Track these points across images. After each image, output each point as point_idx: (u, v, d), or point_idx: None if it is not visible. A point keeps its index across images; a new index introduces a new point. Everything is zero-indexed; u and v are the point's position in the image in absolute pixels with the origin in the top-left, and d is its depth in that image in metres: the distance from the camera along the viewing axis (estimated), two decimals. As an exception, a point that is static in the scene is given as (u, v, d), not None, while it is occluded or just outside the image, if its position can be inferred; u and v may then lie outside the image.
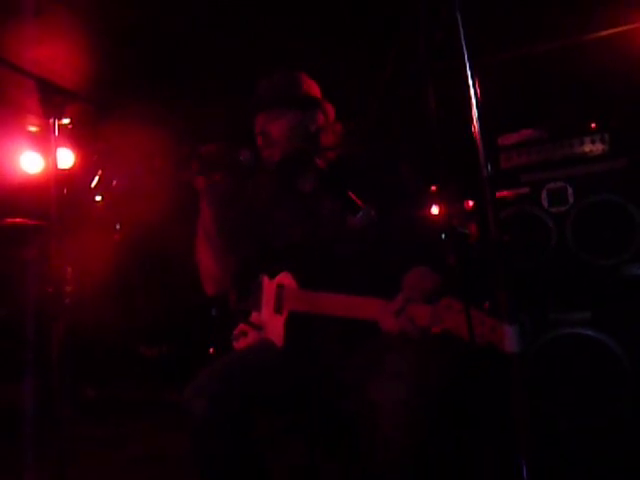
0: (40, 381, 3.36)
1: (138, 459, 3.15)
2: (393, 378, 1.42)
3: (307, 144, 1.80)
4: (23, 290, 3.75)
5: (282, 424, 1.89)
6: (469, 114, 1.12)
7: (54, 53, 3.19)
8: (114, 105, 3.95)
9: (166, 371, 5.13)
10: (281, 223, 1.85)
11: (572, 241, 2.66)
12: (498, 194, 2.78)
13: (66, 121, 3.56)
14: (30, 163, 4.28)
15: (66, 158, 4.45)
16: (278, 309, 1.78)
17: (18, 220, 3.90)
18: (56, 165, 2.01)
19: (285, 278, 1.79)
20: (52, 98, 1.95)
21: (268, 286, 1.85)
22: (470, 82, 1.12)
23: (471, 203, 3.31)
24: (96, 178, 5.00)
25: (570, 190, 2.71)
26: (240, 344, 1.94)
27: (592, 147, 2.71)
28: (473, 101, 1.11)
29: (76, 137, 4.40)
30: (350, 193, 1.60)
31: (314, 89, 1.90)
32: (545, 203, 2.76)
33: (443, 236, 1.74)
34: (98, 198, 5.13)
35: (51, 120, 1.98)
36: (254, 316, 1.93)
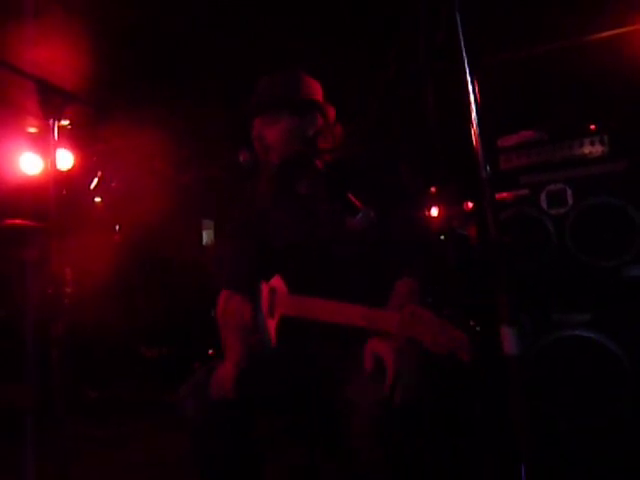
0: (40, 382, 3.36)
1: (139, 459, 3.15)
2: (371, 379, 1.44)
3: (305, 148, 1.77)
4: (23, 291, 3.75)
5: (282, 424, 1.89)
6: (469, 115, 1.11)
7: (54, 54, 3.18)
8: (113, 106, 3.96)
9: (166, 372, 5.13)
10: (280, 224, 1.85)
11: (572, 243, 2.66)
12: (497, 196, 2.77)
13: (65, 122, 3.56)
14: (29, 164, 4.28)
15: (65, 159, 4.44)
16: (270, 313, 1.78)
17: (17, 221, 3.90)
18: (55, 166, 2.02)
19: (277, 282, 1.78)
20: (51, 99, 1.95)
21: (264, 289, 1.86)
22: (470, 83, 1.12)
23: (471, 204, 3.31)
24: (95, 179, 5.02)
25: (569, 192, 2.71)
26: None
27: (592, 149, 2.71)
28: (473, 102, 1.11)
29: (75, 138, 4.40)
30: (349, 195, 1.59)
31: (314, 90, 1.86)
32: (544, 205, 2.76)
33: (442, 237, 1.74)
34: (97, 199, 5.15)
35: (50, 121, 1.98)
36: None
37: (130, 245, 5.28)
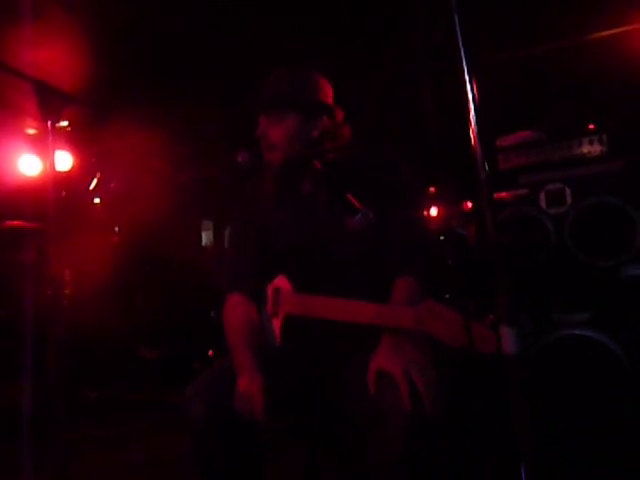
0: (39, 382, 3.36)
1: (139, 459, 3.16)
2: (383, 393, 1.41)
3: (309, 149, 1.75)
4: (21, 292, 3.75)
5: (282, 424, 1.89)
6: (467, 115, 1.11)
7: (52, 55, 3.18)
8: (112, 107, 3.96)
9: (166, 372, 5.14)
10: (281, 225, 1.85)
11: (571, 242, 2.66)
12: (496, 195, 2.78)
13: (64, 123, 3.57)
14: (28, 166, 4.27)
15: (64, 160, 4.44)
16: (275, 312, 1.77)
17: (16, 223, 3.90)
18: (54, 168, 2.01)
19: (281, 281, 1.78)
20: (50, 100, 1.95)
21: (267, 289, 1.85)
22: (468, 83, 1.12)
23: (470, 204, 3.31)
24: (94, 180, 5.01)
25: (568, 191, 2.71)
26: None
27: (590, 148, 2.71)
28: (471, 102, 1.11)
29: (74, 139, 4.40)
30: (349, 195, 1.59)
31: (323, 91, 1.82)
32: (543, 204, 2.76)
33: (442, 237, 1.74)
34: (96, 200, 5.14)
35: (49, 123, 1.97)
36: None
37: (130, 246, 5.28)
